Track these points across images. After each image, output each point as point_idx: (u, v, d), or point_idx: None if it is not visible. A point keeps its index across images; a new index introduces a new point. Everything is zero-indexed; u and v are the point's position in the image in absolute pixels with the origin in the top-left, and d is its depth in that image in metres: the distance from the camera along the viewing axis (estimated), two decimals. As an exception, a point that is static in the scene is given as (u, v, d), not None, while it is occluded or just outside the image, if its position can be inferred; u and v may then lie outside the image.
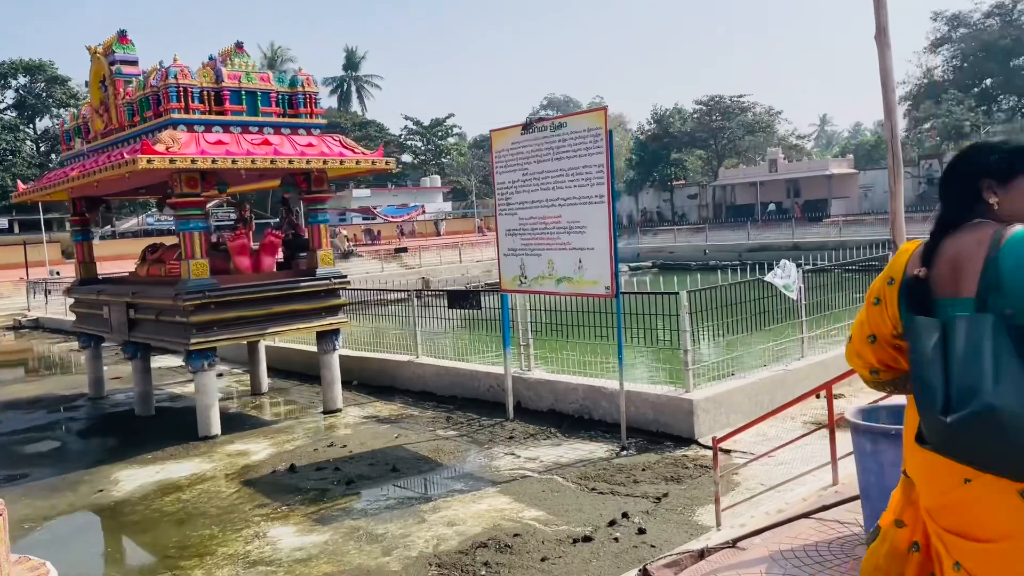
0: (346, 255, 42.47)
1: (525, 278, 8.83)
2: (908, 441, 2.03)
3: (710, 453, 7.67)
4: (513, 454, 8.12)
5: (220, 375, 13.84)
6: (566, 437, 8.58)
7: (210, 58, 9.95)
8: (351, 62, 73.82)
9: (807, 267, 9.56)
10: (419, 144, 69.68)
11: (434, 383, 10.99)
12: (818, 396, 9.58)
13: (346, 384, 12.13)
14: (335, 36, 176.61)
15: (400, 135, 69.83)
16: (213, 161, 8.84)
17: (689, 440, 7.95)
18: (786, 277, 8.90)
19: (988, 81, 52.61)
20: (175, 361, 14.56)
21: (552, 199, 8.39)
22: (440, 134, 69.02)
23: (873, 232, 37.50)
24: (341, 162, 9.86)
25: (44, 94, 48.09)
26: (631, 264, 43.72)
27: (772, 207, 52.21)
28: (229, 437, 9.52)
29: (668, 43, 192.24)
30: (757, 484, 6.59)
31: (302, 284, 10.11)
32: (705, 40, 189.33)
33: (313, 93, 10.25)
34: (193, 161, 8.71)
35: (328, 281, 10.31)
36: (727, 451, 7.69)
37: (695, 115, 55.64)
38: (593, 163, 7.89)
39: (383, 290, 12.68)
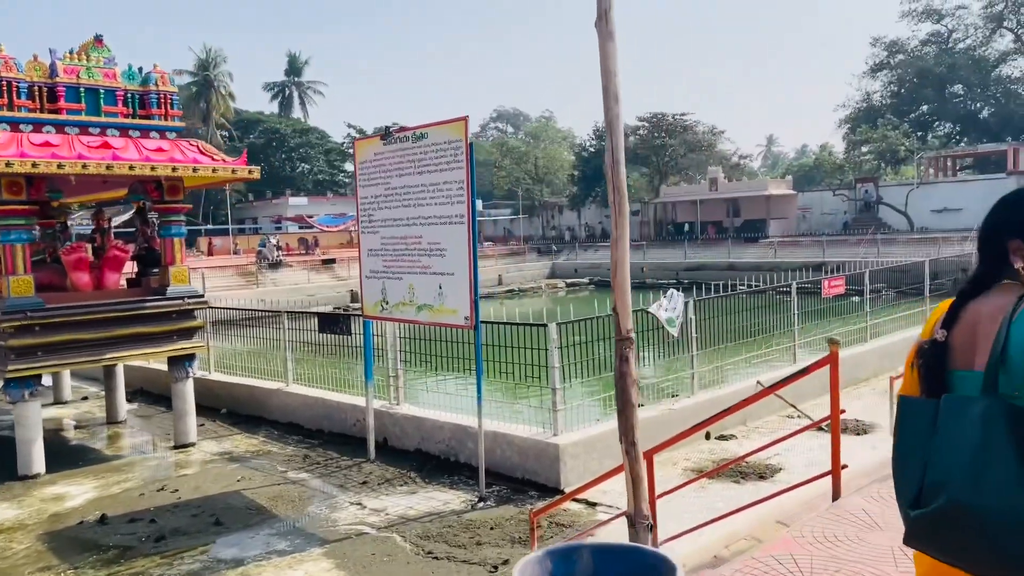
0: (274, 265, 41.07)
1: (387, 303, 7.96)
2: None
3: (574, 507, 6.90)
4: (360, 504, 7.21)
5: (84, 398, 12.67)
6: (425, 483, 7.71)
7: (71, 51, 8.90)
8: (293, 67, 72.24)
9: (695, 296, 8.88)
10: (362, 153, 68.33)
11: (302, 414, 10.02)
12: (708, 437, 8.96)
13: (213, 412, 11.14)
14: (278, 41, 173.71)
15: (343, 143, 68.47)
16: (34, 165, 7.79)
17: (555, 490, 7.13)
18: (671, 310, 8.17)
19: (924, 107, 53.66)
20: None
21: (413, 217, 7.55)
22: (384, 143, 67.75)
23: (809, 254, 37.58)
24: (195, 169, 8.87)
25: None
26: (567, 280, 43.17)
27: (686, 227, 52.49)
28: (53, 476, 8.41)
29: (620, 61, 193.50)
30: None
31: (148, 304, 9.07)
32: (654, 60, 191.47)
33: (169, 92, 9.26)
34: (8, 164, 7.64)
35: (181, 301, 9.29)
36: (592, 504, 6.91)
37: (638, 132, 55.47)
38: (453, 179, 7.08)
39: (251, 310, 11.65)
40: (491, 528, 6.40)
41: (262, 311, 11.23)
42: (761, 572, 3.17)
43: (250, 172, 9.42)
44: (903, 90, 53.52)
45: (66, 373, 12.42)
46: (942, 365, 1.72)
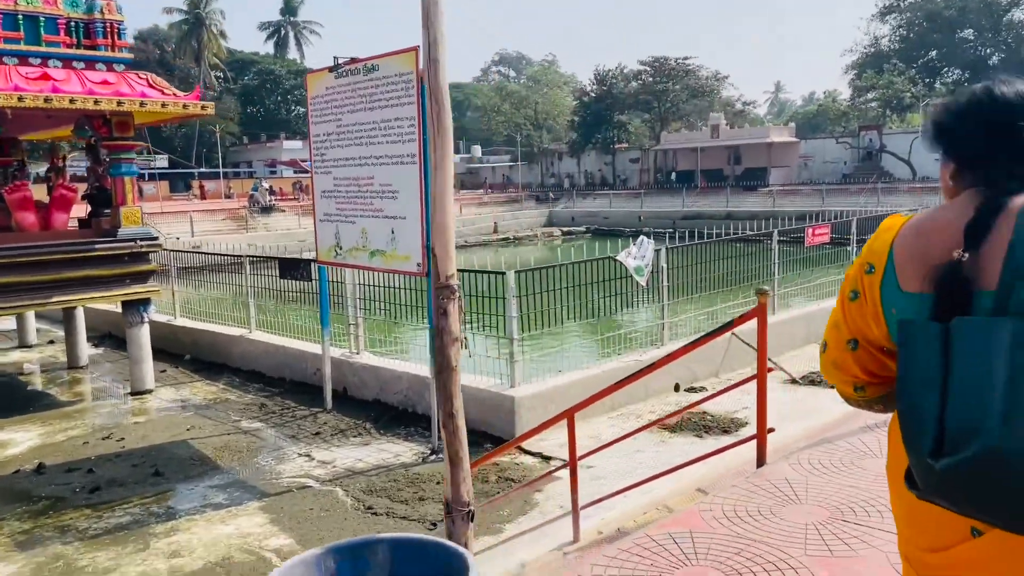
0: (266, 209, 40.61)
1: (340, 248, 7.56)
2: (893, 476, 1.58)
3: (527, 460, 6.62)
4: (308, 456, 6.93)
5: (51, 342, 12.39)
6: (380, 434, 7.43)
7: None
8: (289, 7, 70.51)
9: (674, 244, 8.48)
10: (359, 96, 67.12)
11: (264, 362, 9.71)
12: (677, 389, 8.64)
13: (178, 359, 10.87)
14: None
15: (339, 86, 67.19)
16: (-37, 97, 7.32)
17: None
18: (640, 258, 7.78)
19: (933, 53, 52.26)
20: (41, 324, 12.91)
21: (366, 157, 7.11)
22: (381, 86, 66.46)
23: (808, 203, 36.98)
24: (142, 103, 8.39)
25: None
26: (564, 229, 42.65)
27: (674, 176, 51.77)
28: (1, 422, 8.14)
29: (625, 5, 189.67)
30: (556, 507, 5.52)
31: (98, 246, 8.69)
32: (662, 3, 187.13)
33: (115, 21, 8.72)
34: (-66, 96, 7.18)
35: (133, 243, 8.90)
36: (546, 457, 6.63)
37: (639, 76, 54.26)
38: (404, 115, 6.61)
39: (213, 254, 11.26)
40: (438, 483, 6.12)
41: (225, 255, 10.84)
42: (648, 552, 2.83)
43: (203, 108, 8.92)
44: (912, 34, 52.07)
45: (30, 316, 12.12)
46: (967, 287, 1.39)
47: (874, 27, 53.98)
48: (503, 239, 39.70)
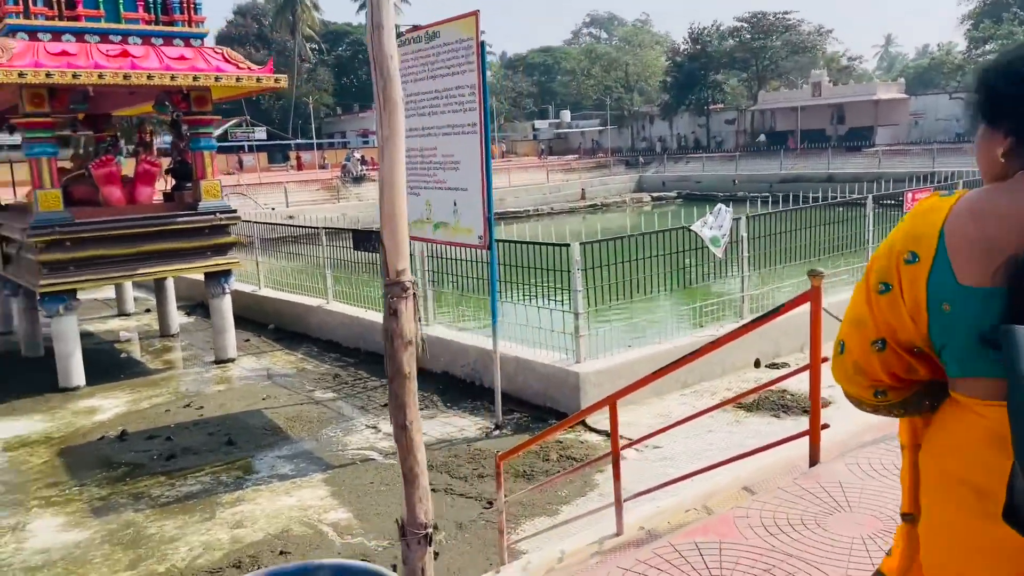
0: (358, 179, 41.28)
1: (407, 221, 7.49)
2: (931, 495, 1.40)
3: (592, 438, 6.44)
4: (375, 428, 6.97)
5: (148, 311, 12.92)
6: (448, 407, 7.39)
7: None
8: (381, -25, 70.80)
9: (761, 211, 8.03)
10: (449, 63, 67.14)
11: (341, 333, 9.83)
12: (757, 365, 8.24)
13: (262, 328, 11.16)
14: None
15: (430, 53, 67.39)
16: (48, 75, 7.57)
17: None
18: (716, 228, 7.40)
19: (1061, -2, 48.03)
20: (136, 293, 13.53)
21: (428, 127, 6.99)
22: (471, 53, 66.28)
23: (917, 164, 34.93)
24: (217, 78, 8.51)
25: None
26: (653, 194, 41.69)
27: (762, 137, 49.60)
28: (92, 389, 8.53)
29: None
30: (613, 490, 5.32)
31: (179, 220, 8.92)
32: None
33: (192, -3, 8.84)
34: (21, 75, 7.45)
35: (213, 216, 9.10)
36: (607, 435, 6.41)
37: (736, 33, 52.09)
38: (466, 83, 6.43)
39: (291, 225, 11.42)
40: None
41: (303, 227, 10.99)
42: (667, 564, 2.58)
43: (276, 81, 8.97)
44: (1037, -21, 47.91)
45: (128, 285, 12.67)
46: None
47: (994, -28, 49.81)
48: (590, 206, 39.16)
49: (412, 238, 7.37)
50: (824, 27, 53.76)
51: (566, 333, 6.96)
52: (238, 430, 7.04)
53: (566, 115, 68.11)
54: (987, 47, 47.17)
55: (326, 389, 8.19)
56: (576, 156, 55.41)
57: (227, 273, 9.39)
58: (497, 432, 6.65)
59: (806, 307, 3.64)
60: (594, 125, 63.80)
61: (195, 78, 8.39)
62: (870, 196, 8.97)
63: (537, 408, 7.02)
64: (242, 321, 11.70)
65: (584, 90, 63.55)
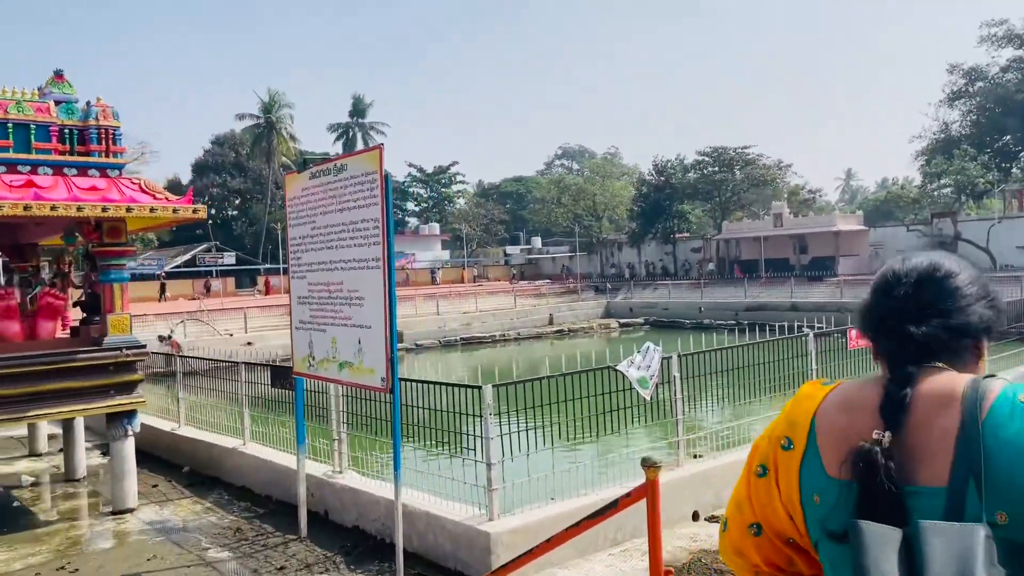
0: (325, 304, 40.84)
1: (314, 359, 6.97)
2: None
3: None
4: (262, 597, 6.16)
5: (61, 450, 12.03)
6: (350, 570, 6.61)
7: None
8: (357, 108, 73.35)
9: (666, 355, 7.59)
10: (422, 192, 68.63)
11: (253, 478, 9.07)
12: (696, 518, 7.57)
13: (177, 470, 10.34)
14: (343, 83, 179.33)
15: (404, 182, 68.92)
16: (-62, 206, 7.15)
17: (486, 589, 5.94)
18: (644, 368, 6.93)
19: (1007, 137, 50.39)
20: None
21: (335, 260, 6.58)
22: (443, 182, 67.96)
23: (879, 292, 35.12)
24: (128, 209, 8.14)
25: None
26: (621, 320, 41.65)
27: (712, 267, 50.72)
28: (-38, 547, 7.64)
29: (689, 96, 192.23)
30: None
31: (79, 356, 8.31)
32: (725, 93, 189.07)
33: (111, 127, 8.59)
34: (-93, 206, 7.02)
35: (118, 352, 8.50)
36: (526, 610, 5.67)
37: (698, 166, 53.85)
38: (370, 216, 6.08)
39: (209, 360, 10.81)
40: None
41: (220, 362, 10.40)
42: None
43: (195, 212, 8.64)
44: (983, 119, 50.40)
45: (42, 424, 11.84)
46: (891, 472, 1.23)
47: (943, 112, 52.44)
48: (557, 331, 38.93)
49: (317, 378, 6.84)
50: (783, 161, 56.03)
51: (478, 486, 6.32)
52: (107, 600, 6.20)
53: (537, 241, 69.21)
54: (941, 181, 49.02)
55: (223, 547, 7.38)
56: (547, 281, 55.76)
57: (132, 414, 8.69)
58: (398, 603, 5.89)
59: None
60: (564, 251, 64.70)
61: (104, 208, 8.00)
62: (811, 333, 8.60)
63: (448, 573, 6.28)
64: (157, 463, 10.93)
65: (554, 217, 64.86)
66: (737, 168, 52.88)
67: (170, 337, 28.89)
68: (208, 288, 48.11)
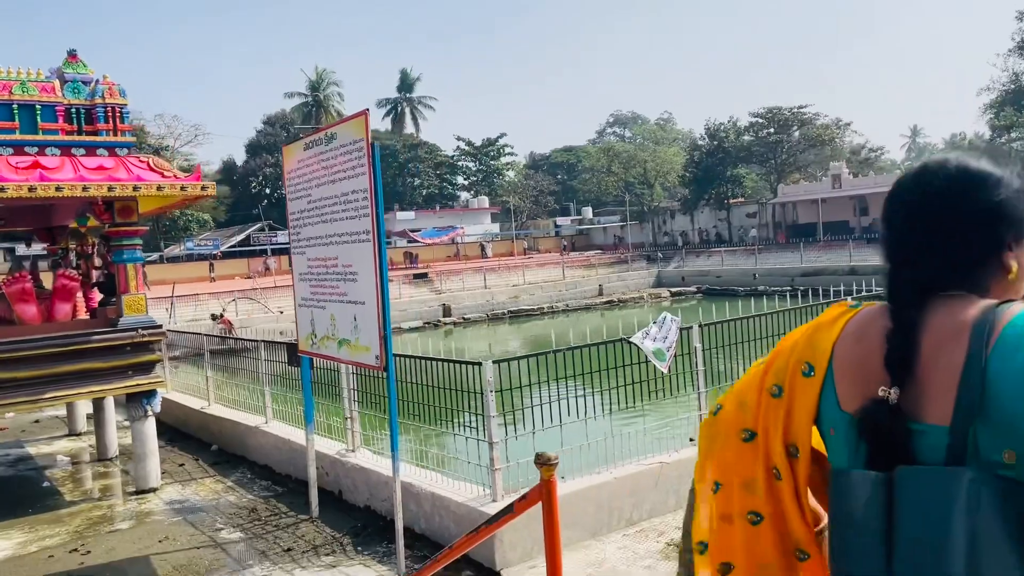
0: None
1: (315, 337, 6.76)
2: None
3: (505, 598, 5.42)
4: (263, 581, 6.02)
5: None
6: (356, 551, 6.43)
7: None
8: (405, 83, 73.25)
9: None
10: (471, 165, 68.35)
11: (274, 457, 8.99)
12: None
13: (205, 447, 10.38)
14: (391, 58, 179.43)
15: (452, 156, 68.73)
16: (-57, 190, 7.12)
17: (491, 572, 5.68)
18: (661, 339, 6.53)
19: (1084, 85, 47.43)
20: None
21: (331, 235, 6.33)
22: (492, 154, 67.52)
23: (944, 253, 33.68)
24: (135, 188, 8.02)
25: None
26: (672, 289, 40.85)
27: (753, 233, 49.18)
28: (-9, 527, 7.73)
29: (744, 55, 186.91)
30: None
31: (95, 338, 8.29)
32: (782, 52, 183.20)
33: (118, 105, 8.48)
34: (-87, 190, 7.01)
35: (135, 333, 8.45)
36: (526, 596, 5.40)
37: (752, 128, 52.17)
38: (359, 187, 5.79)
39: (229, 338, 10.74)
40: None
41: (239, 340, 10.32)
42: None
43: (203, 189, 8.48)
44: (1057, 67, 47.49)
45: (80, 404, 12.01)
46: (899, 422, 1.16)
47: (1012, 62, 49.55)
48: (607, 302, 38.43)
49: (320, 356, 6.64)
50: (842, 120, 53.74)
51: (482, 466, 6.04)
52: (109, 585, 6.15)
53: (588, 211, 68.34)
54: (1011, 134, 46.52)
55: (236, 527, 7.29)
56: (597, 252, 55.07)
57: (151, 393, 8.67)
58: (398, 587, 5.68)
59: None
60: (615, 221, 63.76)
61: (110, 188, 7.90)
62: (848, 299, 8.02)
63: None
64: (188, 441, 11.00)
65: (605, 187, 63.88)
66: (793, 129, 51.09)
67: (222, 315, 29.38)
68: (267, 267, 48.73)
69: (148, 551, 6.83)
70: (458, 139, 72.68)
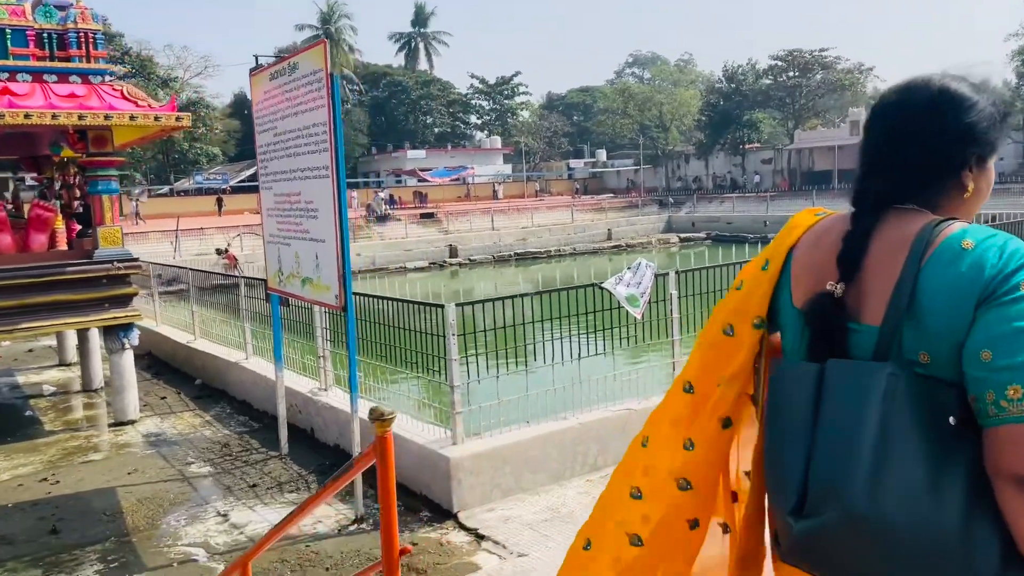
0: (382, 218, 40.98)
1: (282, 274, 6.64)
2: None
3: (458, 539, 5.40)
4: (224, 516, 6.03)
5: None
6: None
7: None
8: (420, 17, 71.73)
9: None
10: (484, 104, 67.31)
11: (253, 393, 8.98)
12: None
13: (190, 381, 10.40)
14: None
15: (466, 94, 67.66)
16: (-95, 115, 6.96)
17: (447, 513, 5.65)
18: (635, 285, 6.36)
19: (1118, 32, 45.80)
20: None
21: (294, 169, 6.14)
22: (506, 93, 66.38)
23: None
24: (106, 116, 7.82)
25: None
26: (682, 235, 40.46)
27: (757, 178, 48.34)
28: (-38, 456, 7.79)
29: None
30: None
31: (69, 269, 8.21)
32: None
33: (91, 31, 8.23)
34: None
35: (110, 265, 8.37)
36: (480, 536, 5.36)
37: (771, 71, 50.89)
38: (319, 120, 5.58)
39: (207, 272, 10.65)
40: (348, 565, 5.03)
41: (221, 275, 10.23)
42: None
43: (178, 120, 8.28)
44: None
45: (70, 333, 12.04)
46: (840, 316, 1.30)
47: (1045, 5, 47.79)
48: (615, 246, 38.14)
49: (286, 294, 6.52)
50: (864, 64, 52.29)
51: (443, 408, 5.96)
52: (74, 515, 6.16)
53: (602, 154, 67.44)
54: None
55: (206, 462, 7.30)
56: (609, 195, 54.47)
57: (128, 327, 8.63)
58: (354, 527, 5.66)
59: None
60: (629, 164, 62.92)
61: (80, 117, 7.70)
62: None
63: (413, 496, 6.00)
64: (175, 375, 11.02)
65: (620, 129, 62.83)
66: (814, 73, 49.79)
67: (227, 250, 29.32)
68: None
69: (116, 483, 6.86)
70: (471, 76, 71.62)
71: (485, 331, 5.98)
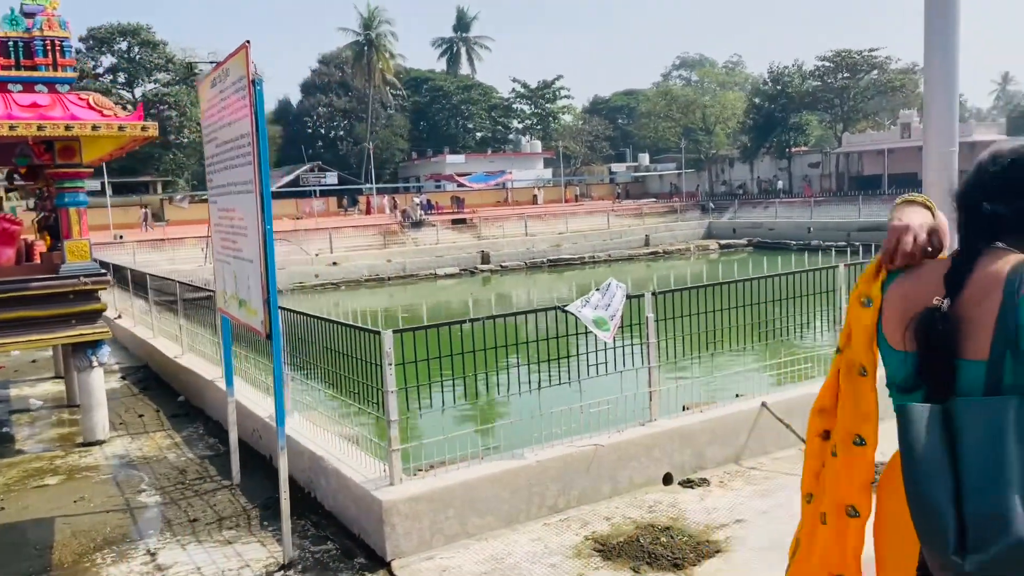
0: (417, 224, 40.81)
1: (227, 294, 6.23)
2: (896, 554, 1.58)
3: (386, 594, 4.89)
4: (152, 555, 5.61)
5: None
6: (263, 526, 5.98)
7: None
8: (462, 23, 71.68)
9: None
10: (526, 108, 66.86)
11: (223, 414, 8.59)
12: (667, 481, 6.41)
13: (173, 398, 10.11)
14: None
15: (507, 99, 67.33)
16: None
17: (381, 560, 5.14)
18: (603, 307, 5.78)
19: None
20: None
21: (229, 183, 5.73)
22: (548, 97, 65.84)
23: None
24: (67, 127, 7.52)
25: (140, 58, 49.04)
26: (722, 241, 39.38)
27: (780, 184, 46.59)
28: (-76, 476, 7.57)
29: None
30: None
31: (33, 284, 7.95)
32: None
33: (58, 39, 7.96)
34: None
35: (76, 280, 8.09)
36: (411, 593, 4.84)
37: (818, 73, 49.35)
38: (244, 131, 5.14)
39: (184, 283, 10.32)
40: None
41: (196, 288, 9.91)
42: None
43: (143, 130, 7.94)
44: None
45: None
46: (950, 348, 1.40)
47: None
48: (652, 253, 37.28)
49: (230, 315, 6.12)
50: (917, 65, 50.34)
51: (381, 443, 5.47)
52: (5, 546, 5.84)
53: (644, 158, 66.47)
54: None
55: (157, 490, 6.93)
56: (651, 200, 53.54)
57: (97, 344, 8.34)
58: (280, 574, 5.18)
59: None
60: (672, 169, 61.81)
61: (40, 127, 7.42)
62: (840, 265, 7.08)
63: (352, 538, 5.52)
64: (162, 389, 10.76)
65: (662, 132, 61.80)
66: (863, 74, 48.15)
67: (257, 257, 29.36)
68: (313, 208, 48.77)
69: (59, 512, 6.52)
70: (513, 81, 71.23)
71: (428, 360, 5.46)
